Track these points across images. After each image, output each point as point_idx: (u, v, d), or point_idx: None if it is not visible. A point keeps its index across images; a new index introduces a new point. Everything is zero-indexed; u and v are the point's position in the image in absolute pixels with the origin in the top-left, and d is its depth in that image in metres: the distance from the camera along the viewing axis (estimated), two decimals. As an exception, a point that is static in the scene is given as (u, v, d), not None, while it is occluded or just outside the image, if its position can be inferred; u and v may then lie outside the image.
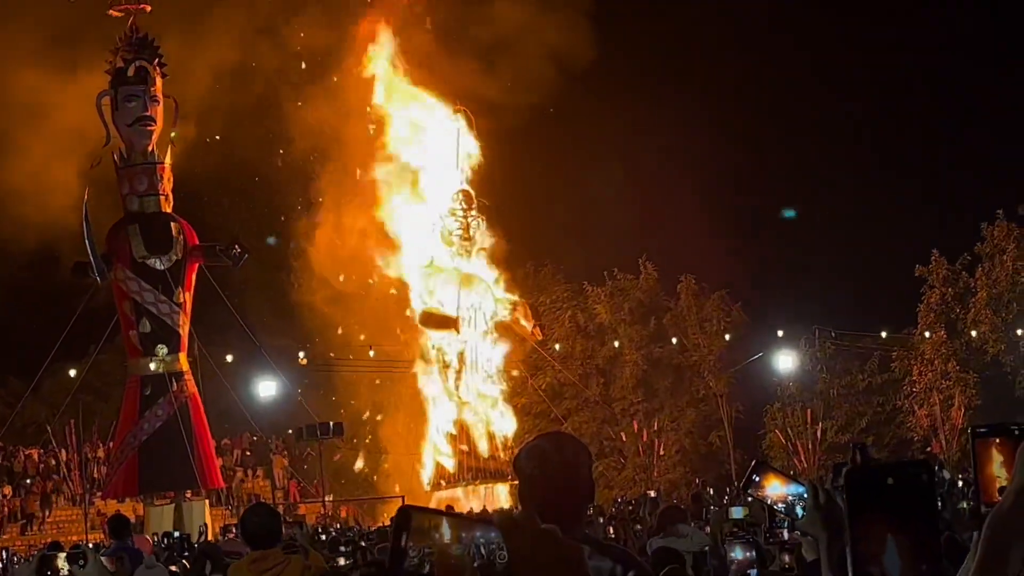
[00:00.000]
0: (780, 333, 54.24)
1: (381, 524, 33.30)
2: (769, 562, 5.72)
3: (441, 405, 51.46)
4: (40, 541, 38.31)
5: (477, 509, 38.12)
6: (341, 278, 51.96)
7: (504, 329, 51.93)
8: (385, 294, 52.54)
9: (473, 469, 50.29)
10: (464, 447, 50.56)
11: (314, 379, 53.00)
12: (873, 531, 1.62)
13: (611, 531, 18.87)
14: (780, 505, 4.38)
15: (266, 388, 41.03)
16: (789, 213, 54.17)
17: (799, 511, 4.35)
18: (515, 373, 52.60)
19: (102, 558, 6.50)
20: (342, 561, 11.02)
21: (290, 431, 47.07)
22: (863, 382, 55.95)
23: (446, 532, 1.78)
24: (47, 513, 46.44)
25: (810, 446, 53.38)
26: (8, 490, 46.60)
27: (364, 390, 53.65)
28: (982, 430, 2.77)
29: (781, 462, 47.51)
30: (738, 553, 5.28)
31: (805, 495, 4.36)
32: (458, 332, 49.76)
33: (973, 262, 55.22)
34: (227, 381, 43.09)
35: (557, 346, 55.29)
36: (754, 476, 4.35)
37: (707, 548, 10.67)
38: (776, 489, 4.37)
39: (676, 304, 57.10)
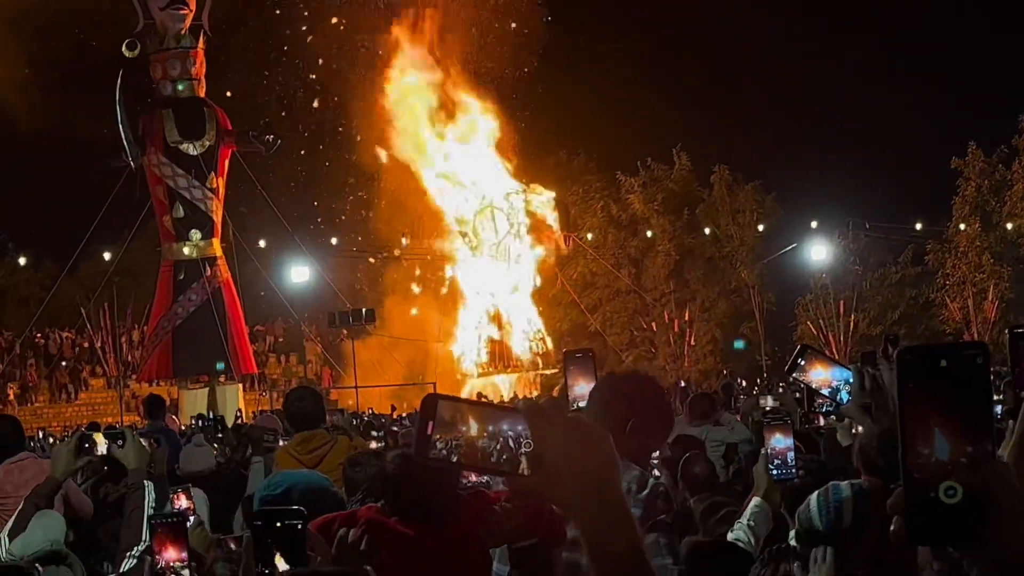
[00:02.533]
0: (814, 225, 53.94)
1: (413, 411, 33.49)
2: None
3: (473, 296, 51.67)
4: (74, 420, 38.85)
5: (507, 397, 38.38)
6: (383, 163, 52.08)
7: (536, 226, 51.97)
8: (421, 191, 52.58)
9: (504, 358, 50.57)
10: (495, 337, 50.80)
11: (348, 266, 53.11)
12: (923, 413, 1.59)
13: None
14: (825, 390, 4.39)
15: (299, 274, 41.14)
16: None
17: (844, 396, 4.36)
18: (543, 259, 52.52)
19: (140, 438, 6.55)
20: (373, 445, 11.09)
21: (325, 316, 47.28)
22: (896, 275, 55.72)
23: (472, 421, 1.79)
24: (78, 388, 47.10)
25: (841, 338, 53.37)
26: (42, 371, 47.23)
27: (398, 278, 53.82)
28: (1020, 330, 2.75)
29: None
30: (779, 440, 5.24)
31: (851, 380, 4.37)
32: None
33: (1010, 154, 54.60)
34: (261, 266, 43.29)
35: (589, 235, 55.19)
36: (799, 360, 4.35)
37: (751, 441, 10.57)
38: (820, 374, 4.38)
39: (710, 195, 56.84)
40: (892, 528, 1.64)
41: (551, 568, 4.07)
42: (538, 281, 52.29)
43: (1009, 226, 54.15)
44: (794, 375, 4.41)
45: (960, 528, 1.59)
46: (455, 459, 1.80)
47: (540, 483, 1.82)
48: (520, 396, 35.83)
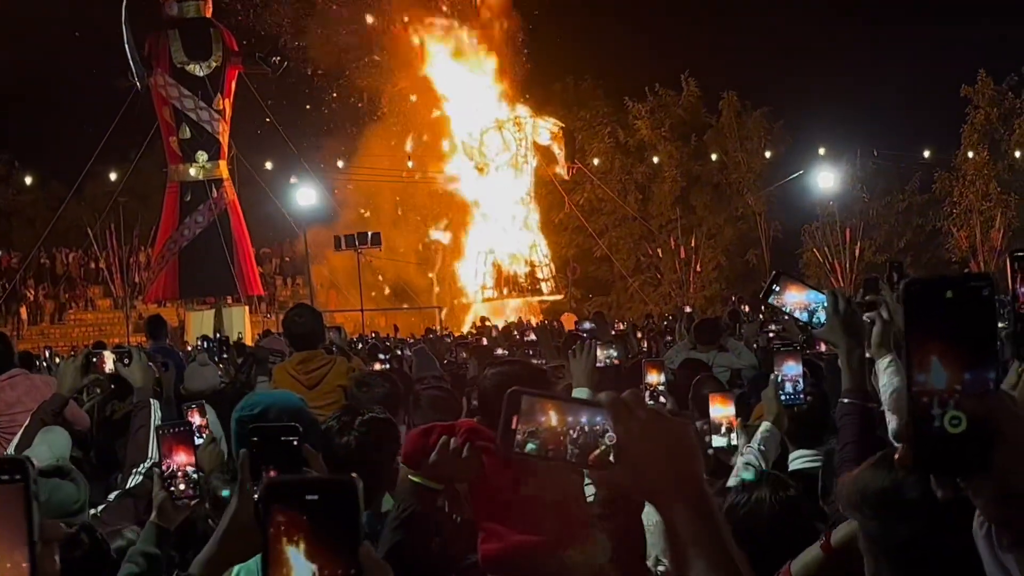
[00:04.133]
0: (822, 152, 53.79)
1: (413, 336, 33.63)
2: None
3: (479, 221, 51.71)
4: (81, 340, 38.98)
5: (513, 319, 38.46)
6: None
7: (541, 152, 51.91)
8: (428, 115, 52.51)
9: (510, 283, 50.65)
10: (500, 261, 50.87)
11: (355, 189, 53.03)
12: (929, 343, 1.60)
13: (644, 344, 18.94)
14: (800, 313, 4.41)
15: (305, 196, 41.11)
16: None
17: (819, 318, 4.38)
18: (552, 181, 52.49)
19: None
20: (377, 367, 11.13)
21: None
22: (903, 202, 55.62)
23: (553, 414, 1.82)
24: (78, 305, 47.38)
25: (847, 265, 53.37)
26: (49, 290, 47.45)
27: (403, 202, 53.82)
28: (1020, 253, 2.73)
29: (818, 280, 47.51)
30: (790, 367, 5.26)
31: (825, 303, 4.39)
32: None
33: (1020, 82, 54.28)
34: (267, 188, 43.26)
35: (596, 161, 55.05)
36: (774, 286, 4.37)
37: (756, 367, 10.60)
38: (795, 297, 4.39)
39: (717, 121, 56.64)
40: (898, 456, 1.65)
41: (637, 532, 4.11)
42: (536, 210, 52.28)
43: (1018, 154, 53.95)
44: (770, 300, 4.42)
45: (964, 457, 1.60)
46: (541, 454, 1.82)
47: (624, 475, 1.84)
48: (525, 321, 35.82)
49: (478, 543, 3.58)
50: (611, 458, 1.82)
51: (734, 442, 5.65)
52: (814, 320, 4.38)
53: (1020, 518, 1.66)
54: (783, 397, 5.22)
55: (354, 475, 1.56)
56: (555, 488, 3.30)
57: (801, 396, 5.22)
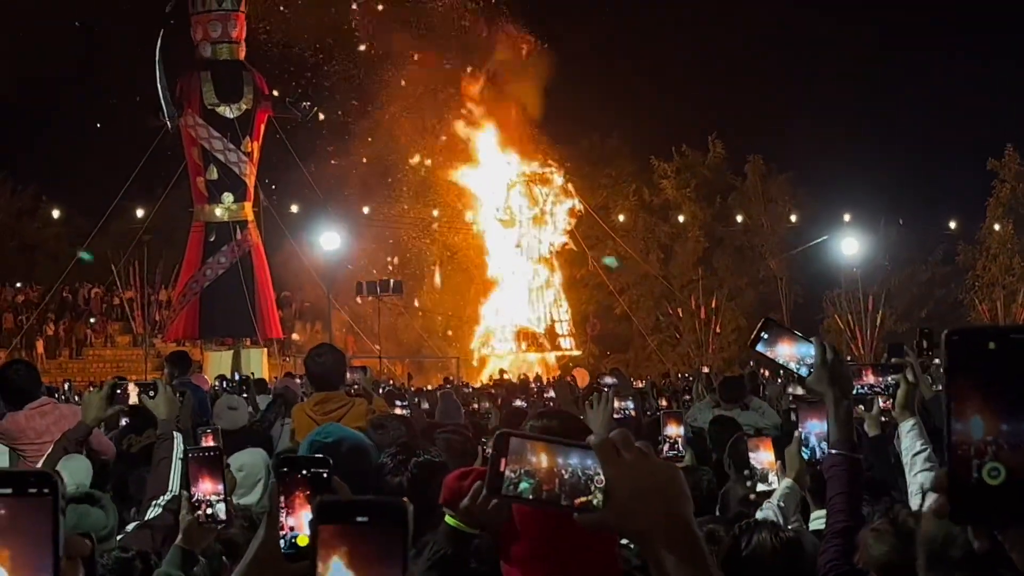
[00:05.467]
0: (847, 218, 53.78)
1: (435, 384, 33.63)
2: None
3: (501, 276, 51.79)
4: (99, 376, 39.02)
5: (531, 375, 38.40)
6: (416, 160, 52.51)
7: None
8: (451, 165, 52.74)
9: (529, 337, 50.59)
10: (521, 316, 50.85)
11: (378, 236, 53.16)
12: (970, 394, 1.59)
13: (663, 402, 18.87)
14: (796, 365, 4.39)
15: (329, 241, 41.17)
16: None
17: (806, 371, 4.37)
18: (575, 238, 52.55)
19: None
20: (398, 411, 11.11)
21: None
22: (926, 273, 55.55)
23: (542, 456, 1.81)
24: (98, 341, 47.50)
25: (868, 334, 53.21)
26: (70, 325, 47.59)
27: (427, 252, 53.93)
28: None
29: (839, 348, 47.30)
30: (814, 424, 5.24)
31: (813, 354, 4.38)
32: None
33: (1047, 157, 54.38)
34: (290, 233, 43.39)
35: (621, 217, 55.13)
36: (763, 334, 4.34)
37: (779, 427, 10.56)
38: (785, 349, 4.37)
39: (742, 183, 56.72)
40: (936, 506, 1.65)
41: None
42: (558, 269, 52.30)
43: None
44: (758, 348, 4.39)
45: (1002, 508, 1.59)
46: (528, 497, 1.81)
47: (613, 518, 1.82)
48: (545, 379, 35.80)
49: None
50: (600, 500, 1.80)
51: (775, 485, 5.63)
52: (802, 372, 4.37)
53: None
54: (806, 454, 5.20)
55: (405, 499, 1.56)
56: (588, 536, 3.28)
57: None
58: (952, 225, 56.56)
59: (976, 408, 1.59)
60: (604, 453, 1.82)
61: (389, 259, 52.56)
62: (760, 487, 5.83)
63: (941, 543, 2.74)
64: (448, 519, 3.61)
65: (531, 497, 1.82)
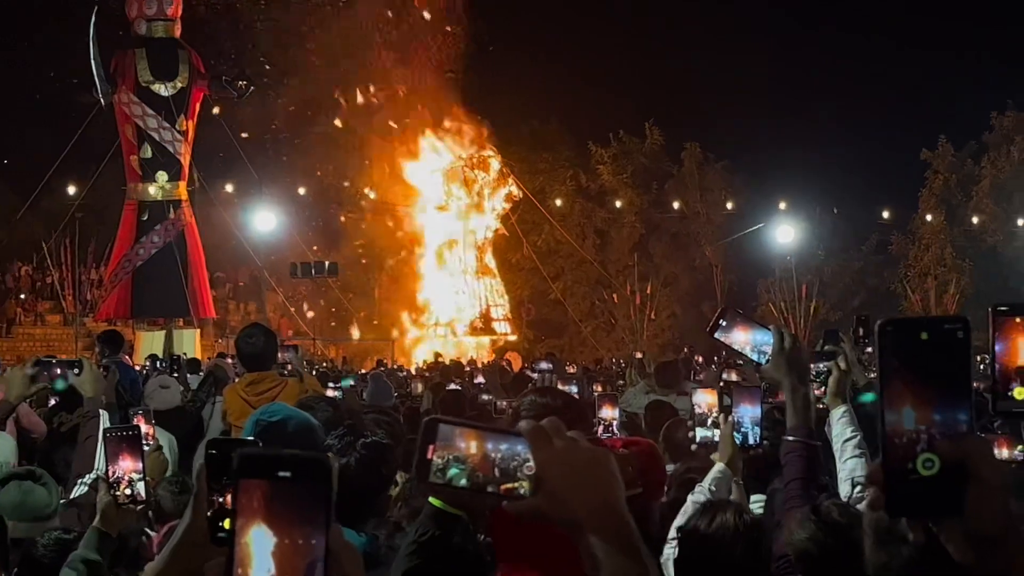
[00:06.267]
0: (782, 206, 54.16)
1: (372, 368, 33.56)
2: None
3: (437, 260, 51.71)
4: (28, 354, 38.57)
5: (464, 360, 38.42)
6: (337, 122, 52.16)
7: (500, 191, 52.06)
8: (390, 143, 52.48)
9: (465, 322, 50.58)
10: (458, 299, 50.81)
11: (313, 216, 52.90)
12: (903, 384, 1.58)
13: (598, 387, 18.92)
14: (752, 352, 4.40)
15: (264, 221, 40.95)
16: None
17: (763, 357, 4.38)
18: (508, 225, 52.56)
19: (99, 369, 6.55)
20: (331, 393, 11.04)
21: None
22: (859, 262, 56.08)
23: (472, 443, 1.78)
24: (27, 320, 46.99)
25: (801, 322, 53.64)
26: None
27: (363, 233, 53.72)
28: (1002, 308, 2.73)
29: (771, 335, 47.60)
30: (747, 408, 5.24)
31: (771, 341, 4.39)
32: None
33: (979, 150, 54.96)
34: (225, 213, 43.09)
35: (558, 202, 55.20)
36: (721, 320, 4.36)
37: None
38: (743, 335, 4.38)
39: (679, 171, 56.92)
40: (870, 499, 1.63)
41: (650, 520, 4.07)
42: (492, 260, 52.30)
43: (975, 220, 54.54)
44: (716, 335, 4.41)
45: (937, 499, 1.58)
46: (457, 484, 1.78)
47: (542, 505, 1.80)
48: (479, 363, 35.82)
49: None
50: (529, 488, 1.78)
51: (717, 437, 5.63)
52: (759, 359, 4.38)
53: (989, 562, 1.64)
54: (739, 438, 5.20)
55: (329, 455, 1.52)
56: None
57: (759, 439, 5.20)
58: (886, 215, 57.10)
59: (909, 398, 1.58)
60: (534, 439, 1.80)
61: (324, 241, 52.27)
62: (700, 433, 5.87)
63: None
64: (432, 500, 3.58)
65: (460, 484, 1.78)
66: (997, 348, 2.74)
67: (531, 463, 1.79)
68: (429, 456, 1.77)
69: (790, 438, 4.50)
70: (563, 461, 1.81)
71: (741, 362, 27.32)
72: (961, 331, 1.59)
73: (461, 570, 3.70)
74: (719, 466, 5.33)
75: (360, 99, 52.51)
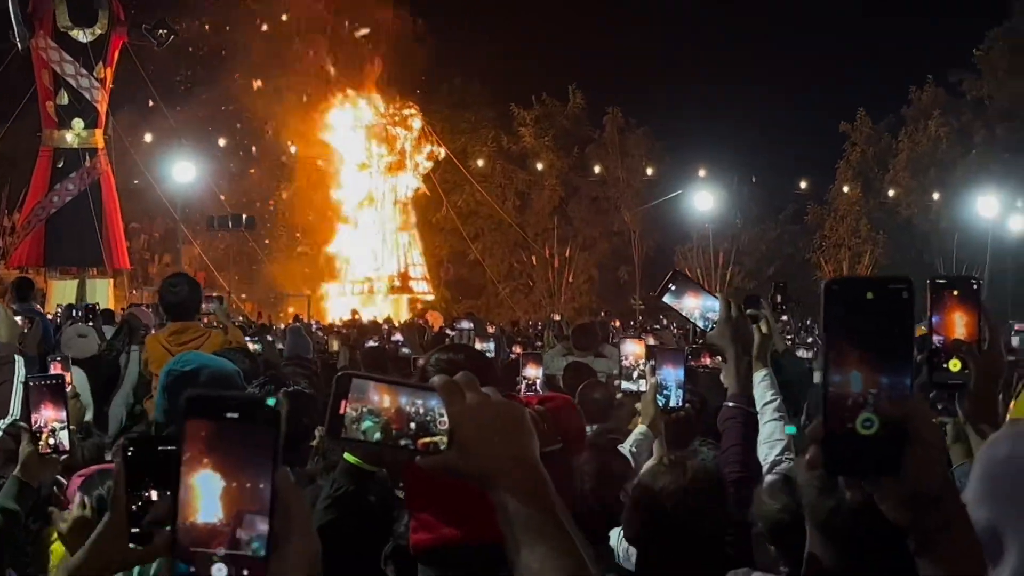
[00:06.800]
0: (701, 174, 54.44)
1: (291, 322, 33.38)
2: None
3: (356, 218, 51.49)
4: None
5: (380, 318, 38.30)
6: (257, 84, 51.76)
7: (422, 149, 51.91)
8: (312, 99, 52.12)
9: (382, 281, 50.45)
10: (376, 257, 50.65)
11: (232, 170, 52.40)
12: (846, 344, 1.58)
13: (516, 349, 18.93)
14: (696, 316, 4.42)
15: (182, 172, 40.44)
16: None
17: (708, 324, 4.40)
18: (429, 184, 52.45)
19: (16, 318, 6.43)
20: (251, 347, 10.94)
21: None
22: (775, 231, 56.55)
23: (386, 398, 1.76)
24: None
25: (717, 289, 53.98)
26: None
27: (282, 189, 53.37)
28: (940, 281, 2.76)
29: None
30: (669, 371, 5.24)
31: (717, 309, 4.41)
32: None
33: (897, 124, 55.56)
34: (142, 162, 42.55)
35: (480, 162, 55.09)
36: (671, 285, 4.37)
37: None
38: (691, 301, 4.40)
39: (600, 135, 56.99)
40: (809, 457, 1.64)
41: (571, 476, 4.05)
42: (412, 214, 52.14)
43: (891, 193, 55.15)
44: (664, 299, 4.43)
45: (875, 459, 1.58)
46: (370, 438, 1.76)
47: (455, 459, 1.80)
48: (397, 321, 35.73)
49: (409, 531, 3.48)
50: (444, 441, 1.77)
51: (642, 388, 5.64)
52: (705, 325, 4.41)
53: (925, 522, 1.65)
54: (661, 400, 5.21)
55: (279, 398, 1.51)
56: None
57: (681, 402, 5.22)
58: (803, 185, 57.61)
59: (852, 357, 1.58)
60: (448, 393, 1.80)
61: (242, 194, 51.80)
62: (624, 385, 5.89)
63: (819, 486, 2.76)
64: (347, 457, 3.55)
65: (374, 438, 1.76)
66: (934, 320, 2.77)
67: (444, 417, 1.78)
68: (342, 411, 1.75)
69: (730, 404, 4.54)
70: (476, 415, 1.80)
71: (658, 327, 27.55)
72: (906, 292, 1.59)
73: (375, 525, 3.68)
74: (641, 427, 5.34)
75: (281, 54, 51.98)
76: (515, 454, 1.84)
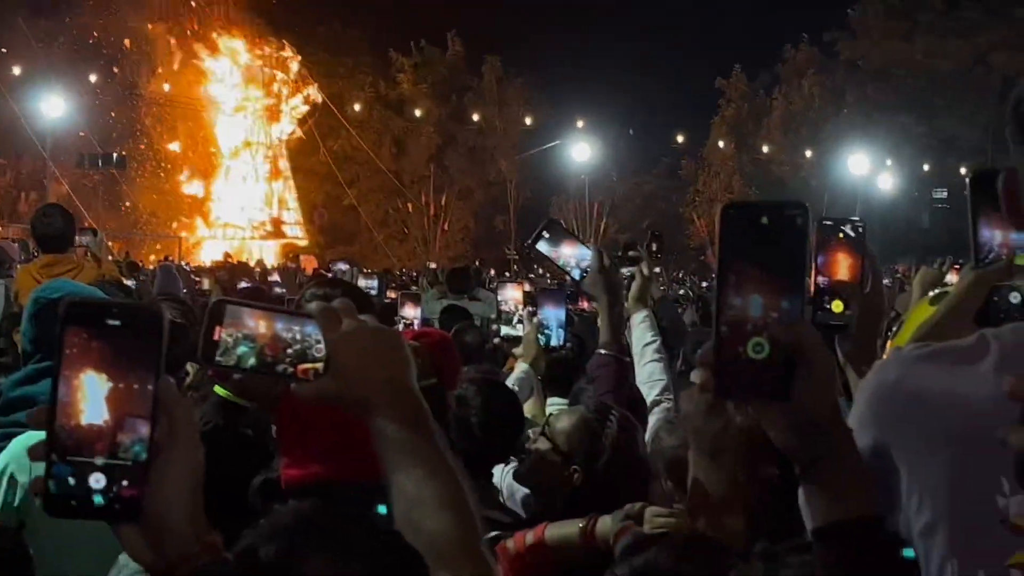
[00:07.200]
0: (579, 124, 54.64)
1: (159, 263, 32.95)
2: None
3: (231, 162, 50.92)
4: None
5: (252, 261, 38.01)
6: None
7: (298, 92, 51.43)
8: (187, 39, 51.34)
9: (255, 225, 50.07)
10: (251, 200, 50.19)
11: (105, 108, 51.39)
12: (740, 268, 1.57)
13: (392, 294, 18.87)
14: (571, 265, 4.43)
15: (52, 107, 39.54)
16: None
17: (582, 273, 4.41)
18: (305, 128, 52.04)
19: None
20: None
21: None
22: (650, 184, 57.00)
23: (262, 325, 1.74)
24: None
25: (592, 240, 54.29)
26: None
27: (155, 129, 52.50)
28: (828, 222, 2.79)
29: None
30: (551, 311, 5.26)
31: (589, 259, 4.43)
32: None
33: (772, 82, 56.27)
34: (9, 96, 41.57)
35: (357, 106, 54.68)
36: (545, 233, 4.37)
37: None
38: (566, 250, 4.41)
39: (479, 84, 56.88)
40: (700, 381, 1.63)
41: (446, 409, 4.02)
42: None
43: (765, 149, 55.87)
44: (537, 246, 4.44)
45: (765, 384, 1.58)
46: (245, 365, 1.73)
47: (332, 386, 1.78)
48: (270, 265, 35.50)
49: (281, 467, 3.42)
50: (321, 369, 1.75)
51: (521, 333, 5.65)
52: (576, 275, 4.42)
53: (808, 448, 1.66)
54: (542, 340, 5.22)
55: (162, 306, 1.47)
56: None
57: (562, 341, 5.23)
58: (679, 139, 58.11)
59: (744, 282, 1.57)
60: (324, 320, 1.78)
61: (113, 134, 50.84)
62: (504, 330, 5.91)
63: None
64: (217, 390, 3.47)
65: (249, 364, 1.73)
66: (819, 261, 2.80)
67: (321, 344, 1.76)
68: (216, 337, 1.72)
69: (603, 352, 4.56)
70: (353, 341, 1.79)
71: (532, 276, 27.70)
72: (800, 217, 1.58)
73: (245, 462, 3.62)
74: (522, 366, 5.35)
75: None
76: (392, 380, 1.83)
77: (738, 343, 1.57)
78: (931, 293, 4.10)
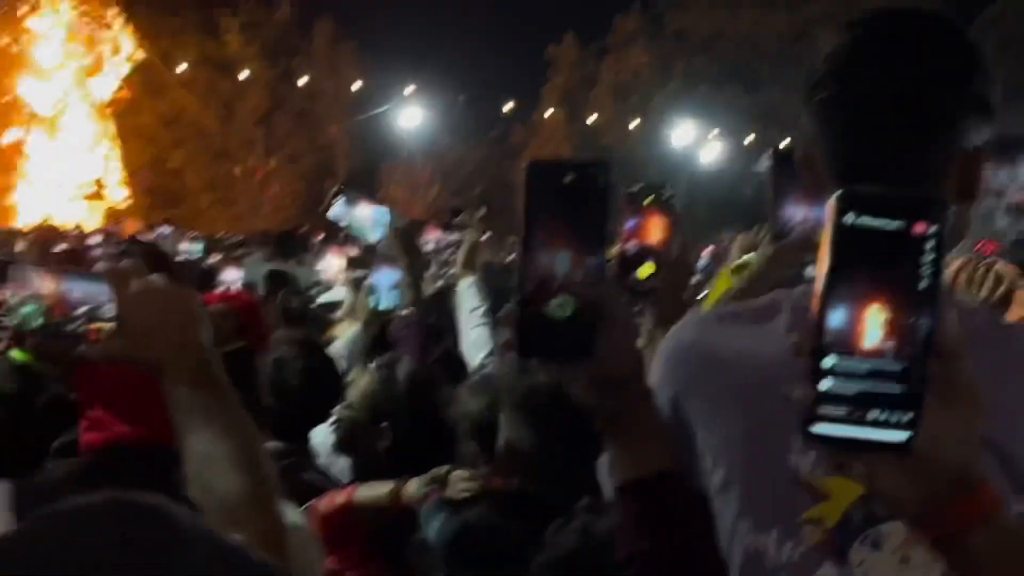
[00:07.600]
0: (411, 89, 54.50)
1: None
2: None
3: (49, 122, 49.72)
4: None
5: (71, 224, 37.24)
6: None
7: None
8: None
9: (75, 186, 49.03)
10: (69, 168, 49.13)
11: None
12: (544, 226, 1.58)
13: (216, 258, 18.68)
14: (368, 227, 4.46)
15: None
16: None
17: (381, 233, 4.45)
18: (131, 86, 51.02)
19: None
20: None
21: None
22: (481, 152, 57.20)
23: (52, 286, 1.69)
24: None
25: (421, 207, 54.34)
26: None
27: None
28: (636, 189, 2.83)
29: (392, 217, 48.18)
30: (385, 274, 5.30)
31: (387, 220, 4.47)
32: None
33: (603, 50, 56.78)
34: None
35: (183, 66, 53.70)
36: (340, 197, 4.40)
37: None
38: (362, 211, 4.44)
39: (309, 46, 56.36)
40: (504, 340, 1.64)
41: (255, 374, 3.97)
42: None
43: (595, 116, 56.42)
44: (333, 213, 4.46)
45: (569, 342, 1.59)
46: (32, 324, 1.68)
47: (124, 346, 1.79)
48: (91, 228, 34.79)
49: (81, 430, 3.33)
50: (113, 330, 1.73)
51: (340, 297, 5.71)
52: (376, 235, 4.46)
53: (611, 403, 1.68)
54: (371, 302, 5.24)
55: None
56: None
57: (396, 304, 5.27)
58: (511, 105, 58.36)
59: (547, 241, 1.58)
60: (114, 280, 1.76)
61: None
62: (323, 297, 5.95)
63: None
64: (15, 355, 3.38)
65: (36, 324, 1.68)
66: (628, 225, 2.84)
67: (112, 304, 1.74)
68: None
69: (403, 313, 4.60)
70: (143, 301, 1.79)
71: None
72: (602, 176, 1.60)
73: (42, 427, 3.54)
74: (356, 326, 5.38)
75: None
76: (184, 340, 1.83)
77: (542, 302, 1.57)
78: (731, 264, 4.21)
